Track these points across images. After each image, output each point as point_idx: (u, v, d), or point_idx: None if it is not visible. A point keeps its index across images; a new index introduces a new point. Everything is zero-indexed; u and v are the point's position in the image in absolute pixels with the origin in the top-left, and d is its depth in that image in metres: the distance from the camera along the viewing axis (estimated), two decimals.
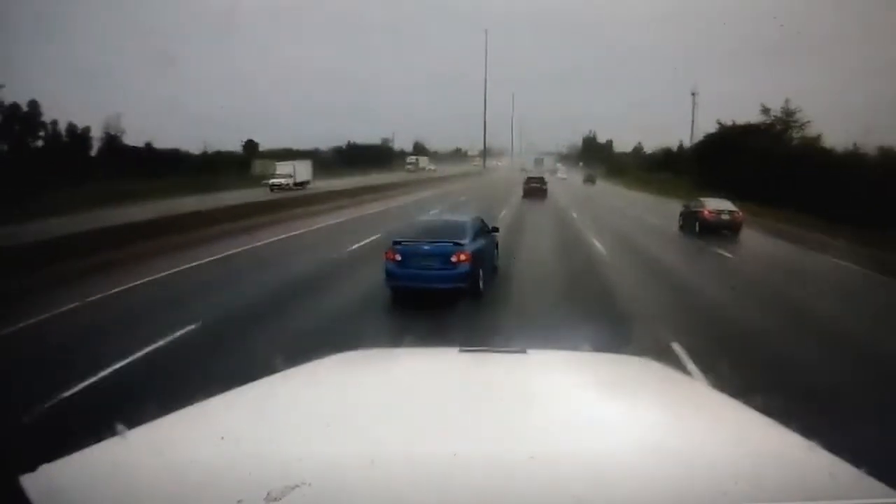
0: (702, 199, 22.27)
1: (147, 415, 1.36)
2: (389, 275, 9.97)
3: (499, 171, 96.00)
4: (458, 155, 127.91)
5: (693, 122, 64.88)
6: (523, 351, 1.82)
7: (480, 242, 10.69)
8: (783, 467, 1.10)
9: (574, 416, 1.35)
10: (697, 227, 20.82)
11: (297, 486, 0.94)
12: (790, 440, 1.22)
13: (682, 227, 22.30)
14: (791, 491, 1.01)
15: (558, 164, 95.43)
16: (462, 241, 10.03)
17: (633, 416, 1.38)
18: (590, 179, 68.08)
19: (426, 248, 9.85)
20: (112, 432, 1.21)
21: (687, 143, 66.34)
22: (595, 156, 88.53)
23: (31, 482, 1.00)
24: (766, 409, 1.37)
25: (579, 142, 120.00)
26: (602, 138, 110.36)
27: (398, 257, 9.87)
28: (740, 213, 21.23)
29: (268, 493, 0.92)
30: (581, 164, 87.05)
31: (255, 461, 1.07)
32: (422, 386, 1.60)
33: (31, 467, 1.08)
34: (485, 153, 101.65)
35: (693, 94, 65.69)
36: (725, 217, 20.87)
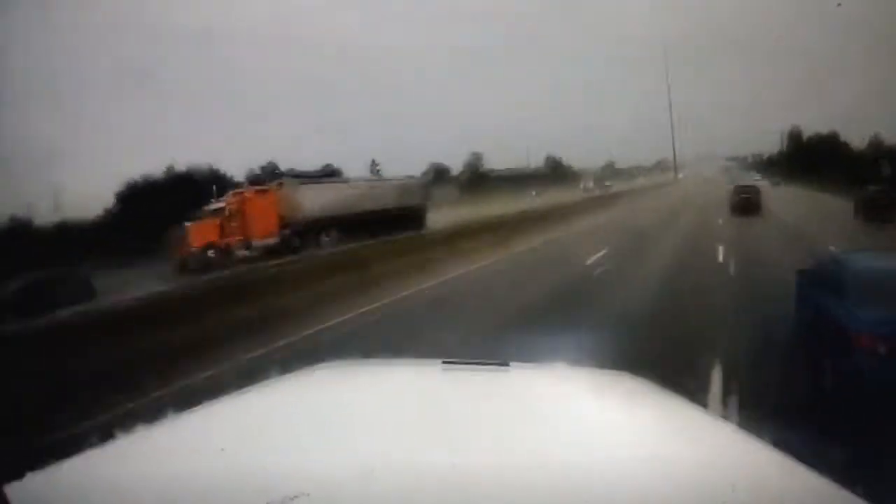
0: None
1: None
2: (874, 380, 5.35)
3: None
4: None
5: None
6: (506, 364, 1.82)
7: None
8: (767, 483, 1.10)
9: (560, 431, 1.35)
10: None
11: (296, 496, 0.93)
12: (774, 459, 1.22)
13: None
14: None
15: (756, 176, 55.07)
16: None
17: (616, 431, 1.38)
18: None
19: None
20: (98, 441, 1.20)
21: None
22: (826, 162, 48.41)
23: (16, 491, 0.99)
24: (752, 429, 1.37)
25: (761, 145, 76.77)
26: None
27: (882, 349, 5.30)
28: None
29: None
30: None
31: (252, 471, 1.07)
32: (412, 398, 1.61)
33: (19, 475, 1.06)
34: None
35: None
36: None
